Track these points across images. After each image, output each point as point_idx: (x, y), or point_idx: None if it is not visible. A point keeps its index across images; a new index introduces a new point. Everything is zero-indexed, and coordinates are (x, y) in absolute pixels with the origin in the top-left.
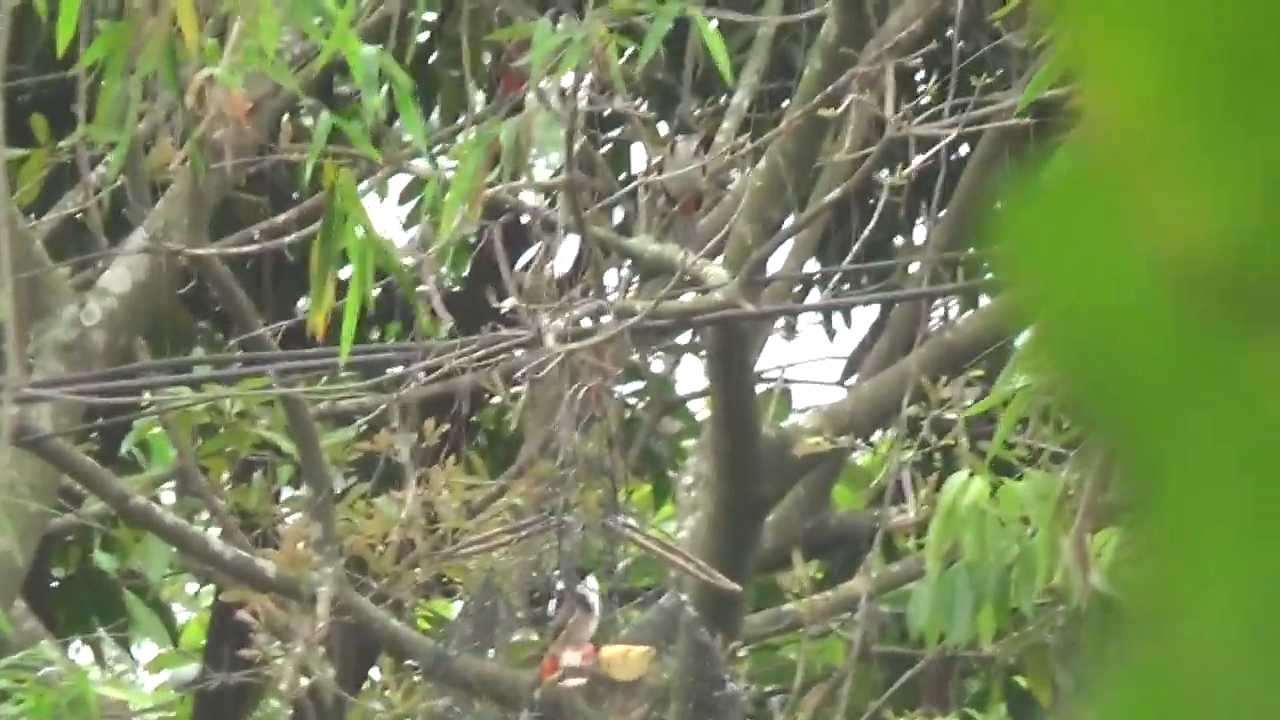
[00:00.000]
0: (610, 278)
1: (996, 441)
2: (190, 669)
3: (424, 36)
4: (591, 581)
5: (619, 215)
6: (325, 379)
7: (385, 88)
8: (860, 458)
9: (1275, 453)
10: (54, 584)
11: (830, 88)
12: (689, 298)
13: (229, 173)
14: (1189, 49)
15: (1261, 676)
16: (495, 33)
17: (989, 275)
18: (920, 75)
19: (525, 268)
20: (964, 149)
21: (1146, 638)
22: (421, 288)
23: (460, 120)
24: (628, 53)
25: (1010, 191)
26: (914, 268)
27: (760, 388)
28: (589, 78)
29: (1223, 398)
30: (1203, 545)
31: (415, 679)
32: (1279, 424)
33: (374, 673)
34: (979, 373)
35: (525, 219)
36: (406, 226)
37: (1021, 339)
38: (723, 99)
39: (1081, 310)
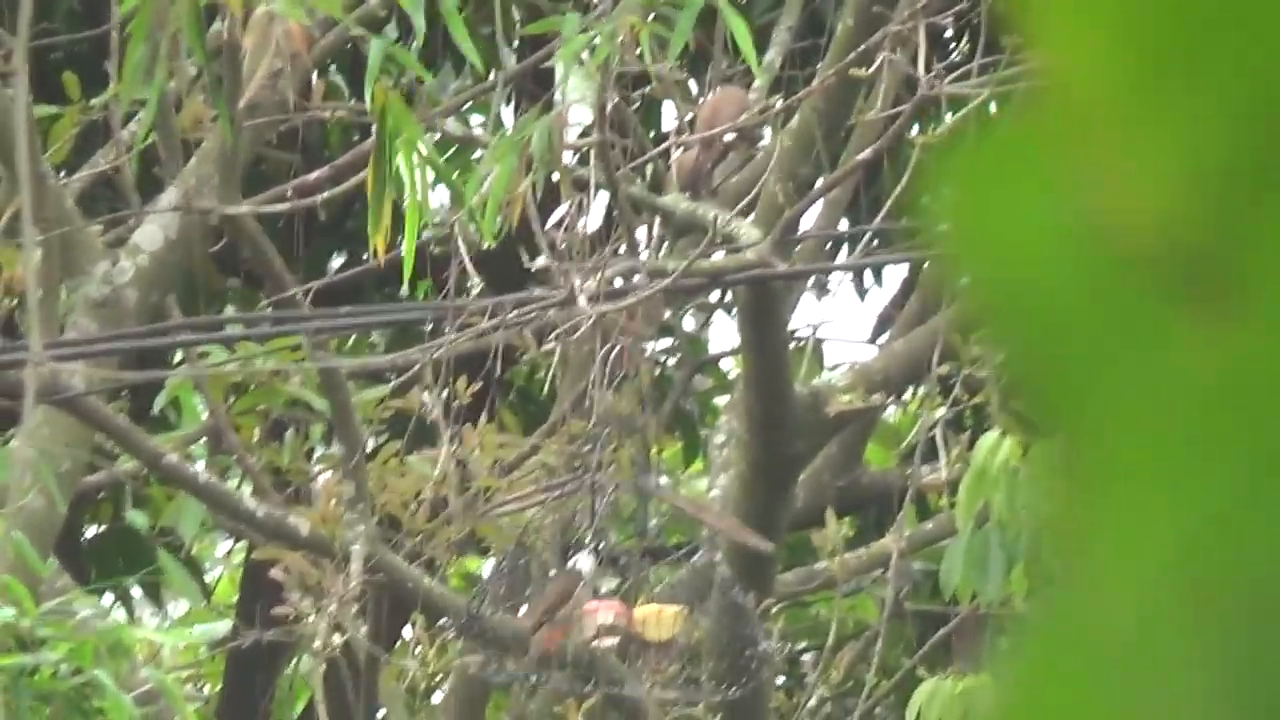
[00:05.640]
0: (641, 234)
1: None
2: (223, 626)
3: None
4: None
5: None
6: (355, 338)
7: (418, 43)
8: (892, 416)
9: (1198, 418)
10: (86, 540)
11: (862, 46)
12: (720, 256)
13: (261, 130)
14: (1142, 20)
15: (1171, 624)
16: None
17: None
18: (951, 34)
19: (557, 225)
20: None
21: (1064, 589)
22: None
23: (491, 77)
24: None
25: (953, 149)
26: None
27: (792, 346)
28: (621, 38)
29: (1150, 363)
30: (1121, 502)
31: (448, 637)
32: (1204, 391)
33: (407, 631)
34: None
35: (556, 177)
36: (433, 186)
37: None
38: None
39: (1014, 270)
